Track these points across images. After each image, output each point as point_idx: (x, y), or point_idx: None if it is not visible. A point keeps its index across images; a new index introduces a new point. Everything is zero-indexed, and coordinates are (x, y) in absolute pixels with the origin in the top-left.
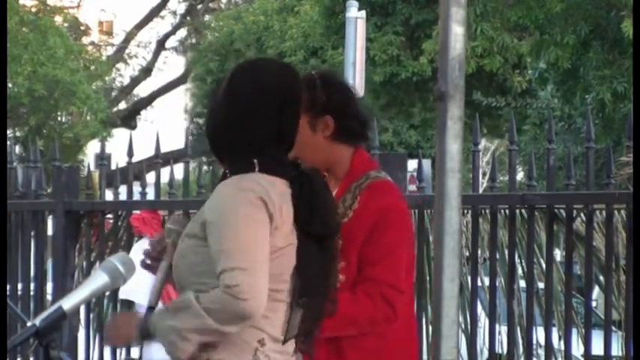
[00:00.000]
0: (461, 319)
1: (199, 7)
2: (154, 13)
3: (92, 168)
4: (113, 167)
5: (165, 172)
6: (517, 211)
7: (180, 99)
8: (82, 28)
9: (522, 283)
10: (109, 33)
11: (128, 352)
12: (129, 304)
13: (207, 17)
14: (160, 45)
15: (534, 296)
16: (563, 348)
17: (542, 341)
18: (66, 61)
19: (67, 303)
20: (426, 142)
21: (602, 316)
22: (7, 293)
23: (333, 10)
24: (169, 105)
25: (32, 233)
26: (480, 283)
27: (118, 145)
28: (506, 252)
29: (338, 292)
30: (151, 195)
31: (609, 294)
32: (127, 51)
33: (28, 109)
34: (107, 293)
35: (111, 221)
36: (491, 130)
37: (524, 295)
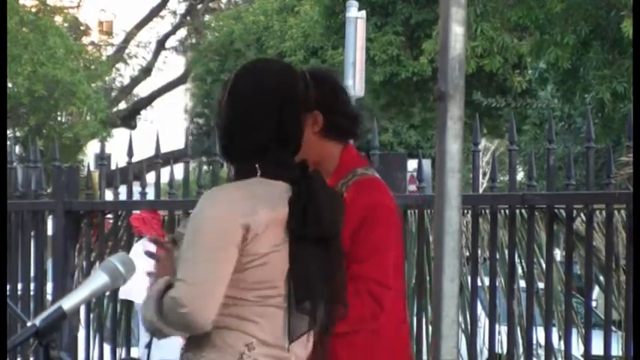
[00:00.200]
0: (461, 319)
1: (199, 7)
2: (154, 13)
3: (92, 168)
4: (113, 167)
5: (165, 172)
6: (517, 211)
7: (180, 99)
8: (82, 28)
9: (522, 283)
10: (109, 33)
11: (128, 352)
12: (129, 304)
13: (207, 17)
14: (160, 45)
15: (534, 296)
16: (563, 348)
17: (542, 341)
18: (66, 61)
19: (67, 303)
20: (426, 142)
21: (602, 316)
22: (7, 293)
23: (333, 10)
24: (169, 105)
25: (32, 233)
26: (480, 283)
27: (118, 145)
28: (506, 252)
29: None
30: (150, 195)
31: (609, 294)
32: (126, 51)
33: (28, 109)
34: (107, 293)
35: (111, 221)
36: (491, 130)
37: (524, 295)
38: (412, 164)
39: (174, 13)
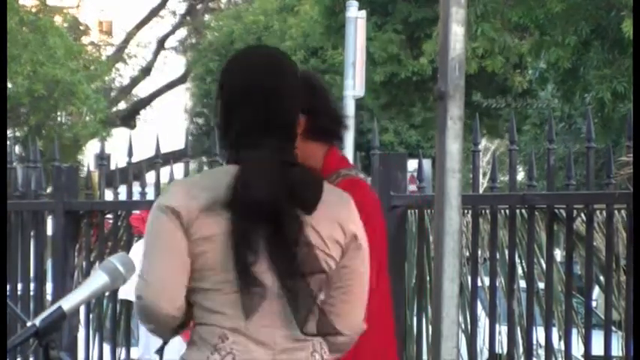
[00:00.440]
0: (461, 319)
1: (199, 7)
2: (154, 13)
3: (92, 168)
4: (113, 167)
5: (165, 172)
6: (517, 211)
7: (180, 99)
8: (82, 28)
9: (522, 283)
10: (109, 33)
11: (128, 352)
12: (129, 304)
13: (207, 17)
14: (160, 45)
15: (534, 296)
16: (563, 348)
17: (542, 341)
18: (66, 61)
19: (67, 303)
20: (426, 142)
21: (602, 316)
22: (7, 293)
23: (333, 10)
24: (169, 105)
25: (32, 233)
26: (480, 283)
27: (117, 145)
28: (506, 252)
29: None
30: (150, 195)
31: (609, 294)
32: (126, 51)
33: (28, 109)
34: (107, 293)
35: (111, 221)
36: (491, 130)
37: (524, 295)
38: (412, 164)
39: (174, 13)
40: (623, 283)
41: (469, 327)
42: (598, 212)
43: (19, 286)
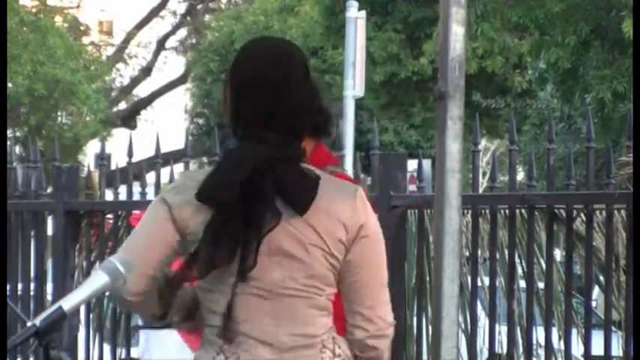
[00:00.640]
0: (461, 319)
1: (199, 7)
2: (154, 13)
3: (92, 168)
4: (113, 167)
5: (165, 172)
6: (517, 211)
7: (180, 99)
8: (82, 28)
9: (522, 283)
10: (109, 33)
11: (128, 352)
12: None
13: (207, 17)
14: (160, 45)
15: (534, 296)
16: (563, 348)
17: (542, 341)
18: (66, 61)
19: (67, 303)
20: (426, 142)
21: (602, 316)
22: (7, 293)
23: (333, 10)
24: (169, 105)
25: (32, 233)
26: (480, 283)
27: (118, 145)
28: (506, 252)
29: None
30: (151, 195)
31: (609, 294)
32: (126, 51)
33: (28, 109)
34: (107, 293)
35: (111, 221)
36: (491, 130)
37: (524, 295)
38: (412, 164)
39: (174, 13)
40: (622, 283)
41: (469, 327)
42: (598, 212)
43: (20, 286)
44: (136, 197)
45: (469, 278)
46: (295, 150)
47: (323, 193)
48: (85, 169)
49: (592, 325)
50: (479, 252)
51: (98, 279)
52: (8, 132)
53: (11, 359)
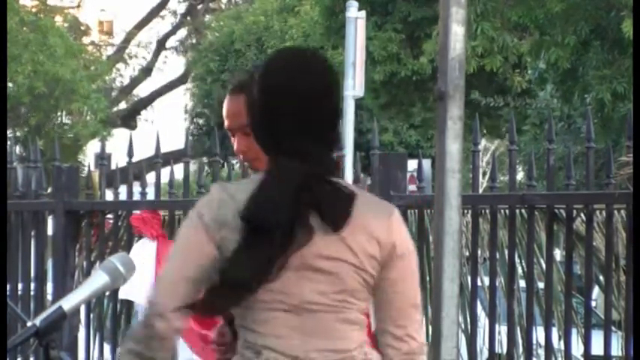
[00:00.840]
0: (461, 319)
1: (199, 7)
2: (154, 13)
3: (92, 168)
4: (113, 167)
5: (165, 172)
6: (517, 211)
7: (180, 99)
8: (82, 28)
9: (522, 283)
10: (109, 33)
11: None
12: (129, 304)
13: (207, 17)
14: (160, 45)
15: (534, 296)
16: (563, 348)
17: (542, 341)
18: (66, 60)
19: (67, 303)
20: (426, 142)
21: (602, 316)
22: (7, 293)
23: (333, 10)
24: (169, 105)
25: (32, 233)
26: (480, 283)
27: (118, 145)
28: (506, 252)
29: None
30: (151, 195)
31: (609, 294)
32: (127, 51)
33: (28, 108)
34: (107, 293)
35: (111, 221)
36: (491, 130)
37: (524, 295)
38: (412, 164)
39: (174, 13)
40: (622, 283)
41: (469, 327)
42: (598, 212)
43: (20, 286)
44: (136, 197)
45: (469, 278)
46: (332, 165)
47: (359, 210)
48: (86, 168)
49: (592, 325)
50: (479, 252)
51: (98, 279)
52: (8, 132)
53: (11, 359)
